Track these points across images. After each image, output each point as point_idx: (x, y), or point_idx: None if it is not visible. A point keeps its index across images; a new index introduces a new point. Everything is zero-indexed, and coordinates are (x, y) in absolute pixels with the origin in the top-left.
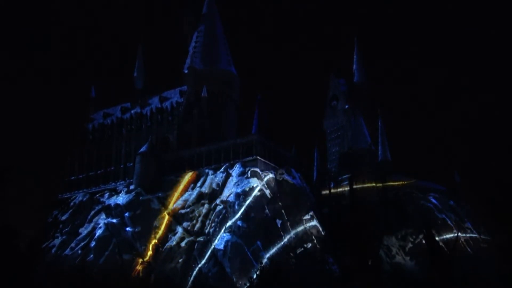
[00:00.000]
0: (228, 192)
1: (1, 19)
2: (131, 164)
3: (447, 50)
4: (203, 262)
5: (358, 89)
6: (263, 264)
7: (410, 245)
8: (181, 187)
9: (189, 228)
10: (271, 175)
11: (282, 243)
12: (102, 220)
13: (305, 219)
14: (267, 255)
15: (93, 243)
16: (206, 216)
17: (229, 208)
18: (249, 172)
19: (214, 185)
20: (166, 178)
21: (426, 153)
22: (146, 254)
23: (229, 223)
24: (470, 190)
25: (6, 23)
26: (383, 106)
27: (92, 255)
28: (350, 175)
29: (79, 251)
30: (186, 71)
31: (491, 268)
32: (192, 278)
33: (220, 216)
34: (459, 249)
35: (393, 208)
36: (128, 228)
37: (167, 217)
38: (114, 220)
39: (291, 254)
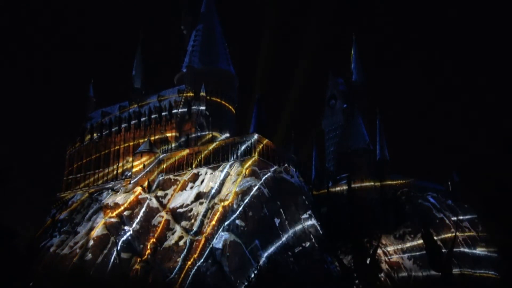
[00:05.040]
0: (227, 191)
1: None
2: (129, 163)
3: (446, 50)
4: (201, 261)
5: (356, 88)
6: (261, 263)
7: (408, 244)
8: (179, 186)
9: (187, 227)
10: (269, 174)
11: (281, 242)
12: (100, 219)
13: (304, 218)
14: (266, 254)
15: (91, 242)
16: (205, 215)
17: (227, 207)
18: (247, 171)
19: (212, 184)
20: (164, 177)
21: (425, 153)
22: (145, 253)
23: (227, 222)
24: (469, 189)
25: (5, 22)
26: (381, 105)
27: (90, 254)
28: (349, 174)
29: (78, 250)
30: (184, 70)
31: (489, 267)
32: (190, 277)
33: (219, 215)
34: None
35: (391, 207)
36: (126, 227)
37: (165, 216)
38: (113, 219)
39: (289, 253)
